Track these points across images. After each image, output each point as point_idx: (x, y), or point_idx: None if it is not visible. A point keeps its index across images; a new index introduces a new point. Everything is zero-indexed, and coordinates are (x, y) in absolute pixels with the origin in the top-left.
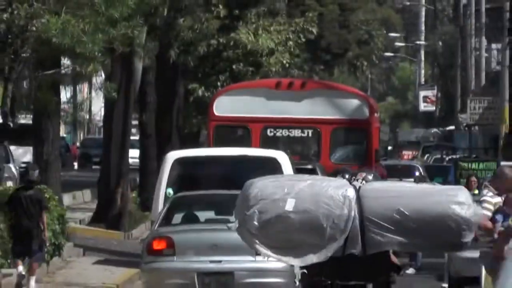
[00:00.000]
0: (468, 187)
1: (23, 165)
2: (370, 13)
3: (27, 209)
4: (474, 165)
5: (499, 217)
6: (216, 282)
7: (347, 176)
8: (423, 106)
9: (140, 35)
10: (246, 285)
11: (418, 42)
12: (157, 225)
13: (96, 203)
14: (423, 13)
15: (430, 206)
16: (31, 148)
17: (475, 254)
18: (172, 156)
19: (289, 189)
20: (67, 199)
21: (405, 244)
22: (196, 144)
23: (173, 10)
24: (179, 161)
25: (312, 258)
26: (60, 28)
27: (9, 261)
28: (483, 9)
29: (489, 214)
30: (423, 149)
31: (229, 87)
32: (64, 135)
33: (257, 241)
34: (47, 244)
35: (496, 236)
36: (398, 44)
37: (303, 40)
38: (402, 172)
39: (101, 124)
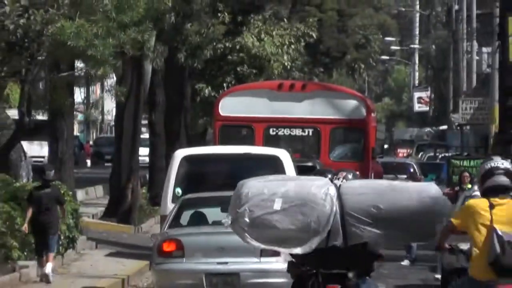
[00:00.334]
0: (461, 182)
1: (34, 159)
2: (367, 19)
3: (45, 206)
4: (465, 163)
5: None
6: (223, 282)
7: (329, 175)
8: (417, 107)
9: (149, 40)
10: (251, 285)
11: (412, 46)
12: (167, 226)
13: (108, 198)
14: (417, 19)
15: (404, 201)
16: (44, 143)
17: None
18: (180, 154)
19: (276, 189)
20: (80, 194)
21: (382, 236)
22: (203, 143)
23: (181, 15)
24: (186, 159)
25: (298, 250)
26: (74, 32)
27: (25, 253)
28: (474, 15)
29: None
30: (418, 147)
31: (234, 89)
32: (78, 134)
33: (248, 236)
34: (61, 238)
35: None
36: (393, 47)
37: (304, 44)
38: (398, 169)
39: (113, 123)
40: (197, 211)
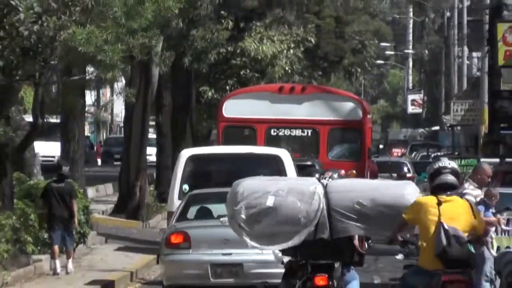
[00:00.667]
0: None
1: (45, 159)
2: (363, 25)
3: (60, 199)
4: (456, 162)
5: (481, 208)
6: (227, 272)
7: (316, 175)
8: (411, 109)
9: (156, 45)
10: (253, 275)
11: (406, 51)
12: (174, 220)
13: (117, 195)
14: (411, 25)
15: (384, 198)
16: (55, 143)
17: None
18: (186, 153)
19: (269, 187)
20: (91, 192)
21: (364, 230)
22: (207, 143)
23: (186, 22)
24: (192, 158)
25: (289, 243)
26: (85, 38)
27: (39, 248)
28: (465, 21)
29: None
30: (411, 147)
31: (237, 92)
32: (89, 135)
33: (244, 232)
34: (75, 231)
35: None
36: (388, 52)
37: (303, 49)
38: (392, 168)
39: (122, 124)
40: (203, 206)
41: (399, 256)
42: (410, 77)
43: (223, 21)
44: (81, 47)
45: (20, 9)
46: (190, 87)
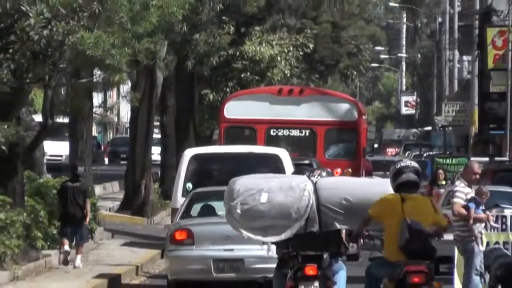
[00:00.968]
0: (435, 178)
1: (53, 158)
2: (359, 30)
3: (74, 198)
4: (448, 161)
5: (471, 205)
6: (229, 267)
7: (307, 173)
8: (404, 110)
9: (161, 49)
10: (254, 270)
11: (400, 55)
12: (178, 217)
13: (123, 193)
14: (404, 30)
15: (368, 194)
16: (63, 143)
17: (449, 236)
18: (189, 152)
19: (263, 185)
20: (98, 189)
21: (351, 224)
22: (210, 143)
23: (189, 26)
24: (195, 157)
25: (281, 236)
26: (92, 42)
27: (48, 243)
28: (456, 27)
29: (462, 202)
30: (404, 147)
31: (238, 93)
32: (96, 135)
33: (239, 225)
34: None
35: (471, 221)
36: (382, 56)
37: (301, 53)
38: (386, 167)
39: (128, 125)
40: (206, 203)
41: None
42: (404, 80)
43: (224, 26)
44: (89, 51)
45: (31, 14)
46: (193, 90)
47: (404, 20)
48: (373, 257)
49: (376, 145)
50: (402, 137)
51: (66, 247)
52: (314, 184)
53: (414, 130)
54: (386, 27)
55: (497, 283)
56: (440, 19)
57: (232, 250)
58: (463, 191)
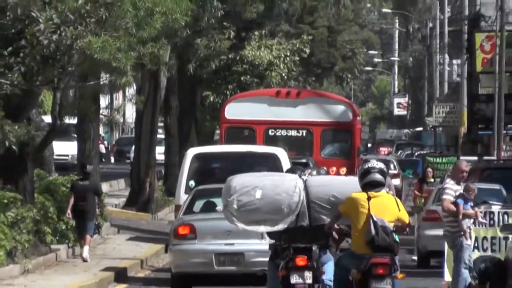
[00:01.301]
0: (425, 176)
1: (59, 157)
2: (353, 35)
3: (84, 196)
4: (438, 160)
5: (460, 201)
6: (230, 260)
7: (298, 172)
8: (396, 111)
9: (164, 53)
10: (254, 263)
11: (392, 58)
12: (182, 213)
13: (129, 190)
14: (397, 35)
15: (354, 192)
16: (69, 143)
17: (440, 232)
18: (192, 152)
19: (257, 182)
20: (105, 187)
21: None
22: (211, 142)
23: (191, 31)
24: (197, 156)
25: (273, 229)
26: (99, 46)
27: (57, 238)
28: (446, 32)
29: (452, 199)
30: (397, 146)
31: (238, 95)
32: (103, 135)
33: (235, 219)
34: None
35: (461, 217)
36: (376, 60)
37: (298, 58)
38: None
39: (133, 125)
40: (208, 200)
41: None
42: (396, 82)
43: (225, 31)
44: (96, 55)
45: (40, 20)
46: (195, 92)
47: (397, 25)
48: (343, 249)
49: (369, 145)
50: (395, 137)
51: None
52: (305, 182)
53: (406, 130)
54: (379, 32)
55: (481, 277)
56: (431, 25)
57: (232, 244)
58: (452, 188)
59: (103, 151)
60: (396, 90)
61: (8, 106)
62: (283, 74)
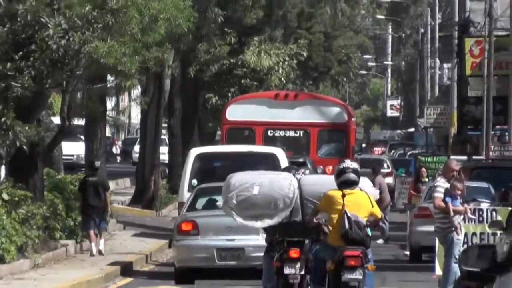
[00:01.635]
0: (419, 175)
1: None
2: (348, 40)
3: (94, 191)
4: (429, 159)
5: (448, 199)
6: (231, 255)
7: (293, 171)
8: (390, 113)
9: (168, 58)
10: (253, 258)
11: (385, 62)
12: (185, 210)
13: (134, 188)
14: (390, 40)
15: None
16: (74, 143)
17: (431, 228)
18: (194, 152)
19: (255, 180)
20: (111, 185)
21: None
22: (213, 142)
23: (193, 37)
24: (199, 156)
25: (269, 223)
26: (106, 51)
27: (66, 234)
28: (437, 37)
29: (442, 196)
30: (390, 146)
31: (238, 98)
32: (109, 135)
33: (234, 213)
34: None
35: (452, 213)
36: (370, 64)
37: (295, 62)
38: (373, 164)
39: (138, 126)
40: (210, 198)
41: (379, 241)
42: (389, 85)
43: (226, 36)
44: (102, 59)
45: (50, 26)
46: (197, 95)
47: (390, 31)
48: (319, 240)
49: (364, 145)
50: (388, 138)
51: (93, 244)
52: (299, 180)
53: (398, 131)
54: (373, 38)
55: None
56: (422, 30)
57: (233, 240)
58: (443, 186)
59: (117, 151)
60: (389, 92)
61: (19, 108)
62: (282, 78)
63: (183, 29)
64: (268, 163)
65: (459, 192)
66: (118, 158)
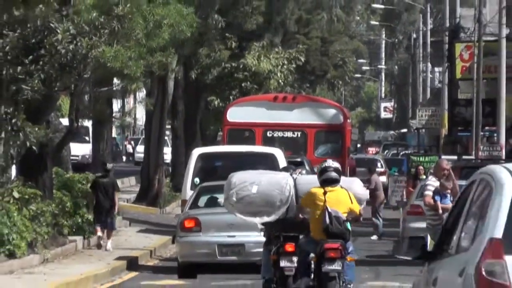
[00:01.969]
0: (417, 174)
1: (72, 157)
2: (344, 45)
3: (105, 192)
4: (421, 158)
5: (437, 197)
6: (232, 251)
7: (290, 171)
8: (383, 114)
9: (172, 62)
10: (253, 253)
11: (379, 66)
12: (187, 207)
13: (139, 186)
14: (383, 45)
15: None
16: (80, 145)
17: (423, 224)
18: (197, 152)
19: (254, 179)
20: (118, 183)
21: None
22: (214, 143)
23: (195, 42)
24: (202, 156)
25: (267, 219)
26: (112, 55)
27: (74, 230)
28: (428, 42)
29: (431, 194)
30: (384, 146)
31: (239, 100)
32: (115, 136)
33: (234, 210)
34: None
35: (440, 211)
36: (364, 67)
37: (294, 66)
38: (368, 164)
39: (143, 127)
40: (211, 196)
41: (374, 237)
42: (383, 88)
43: (227, 41)
44: (109, 63)
45: (58, 31)
46: (199, 97)
47: (383, 36)
48: (304, 235)
49: (359, 145)
50: (382, 138)
51: (99, 233)
52: (295, 180)
53: (392, 132)
54: (367, 43)
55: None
56: (414, 35)
57: (234, 236)
58: (433, 185)
59: (131, 150)
60: (383, 95)
61: (29, 110)
62: (280, 81)
63: (186, 35)
64: (267, 162)
65: (448, 191)
66: (124, 158)
